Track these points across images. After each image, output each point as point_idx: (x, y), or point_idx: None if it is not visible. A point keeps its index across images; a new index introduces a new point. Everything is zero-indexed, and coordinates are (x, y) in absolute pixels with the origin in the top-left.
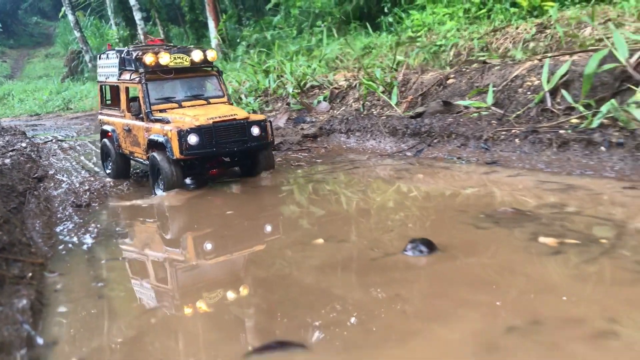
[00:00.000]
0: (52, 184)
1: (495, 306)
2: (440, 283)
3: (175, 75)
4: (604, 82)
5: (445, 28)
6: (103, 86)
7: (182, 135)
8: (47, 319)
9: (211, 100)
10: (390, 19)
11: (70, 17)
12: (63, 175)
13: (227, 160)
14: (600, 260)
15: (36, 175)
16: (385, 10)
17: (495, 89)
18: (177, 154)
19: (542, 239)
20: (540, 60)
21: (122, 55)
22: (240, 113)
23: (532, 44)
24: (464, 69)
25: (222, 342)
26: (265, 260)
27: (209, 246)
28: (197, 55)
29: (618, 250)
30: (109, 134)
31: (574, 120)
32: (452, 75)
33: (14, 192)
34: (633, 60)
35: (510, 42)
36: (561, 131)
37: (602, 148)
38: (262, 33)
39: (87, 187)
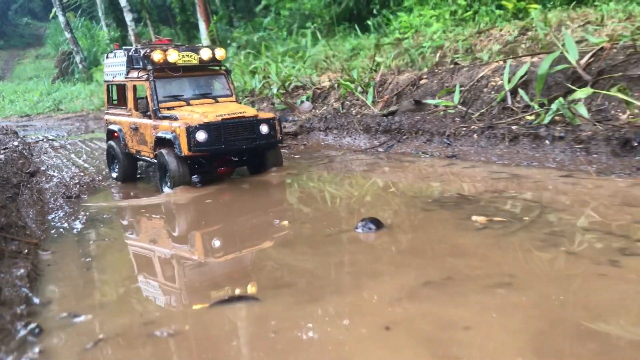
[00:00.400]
0: (44, 178)
1: (420, 267)
2: (381, 252)
3: (183, 74)
4: (557, 82)
5: (431, 30)
6: (110, 86)
7: (190, 131)
8: (42, 285)
9: (219, 99)
10: (379, 21)
11: (61, 18)
12: (54, 171)
13: (236, 159)
14: (518, 233)
15: (29, 170)
16: (375, 12)
17: (463, 88)
18: (185, 150)
19: (474, 217)
20: (504, 61)
21: (130, 54)
22: (249, 111)
23: (509, 46)
24: (436, 70)
25: (191, 297)
26: (235, 237)
27: (184, 226)
28: (205, 54)
29: (535, 226)
30: (115, 134)
31: (529, 117)
32: (425, 76)
33: (9, 184)
34: (583, 61)
35: (494, 43)
36: (513, 127)
37: (547, 142)
38: (252, 34)
39: (76, 181)
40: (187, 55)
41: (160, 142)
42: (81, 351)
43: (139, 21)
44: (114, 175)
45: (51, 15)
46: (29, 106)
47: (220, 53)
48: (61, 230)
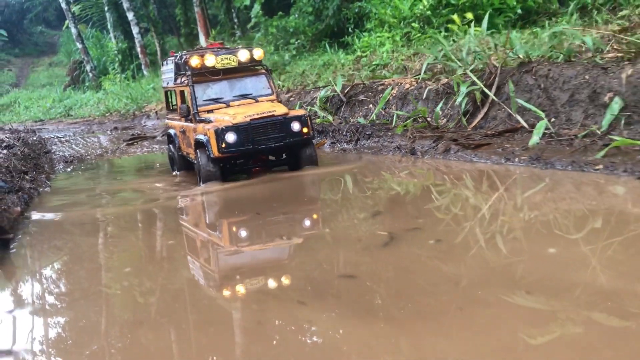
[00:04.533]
0: (53, 155)
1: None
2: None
3: (223, 76)
4: (335, 101)
5: (382, 50)
6: (167, 92)
7: (219, 133)
8: (51, 181)
9: (259, 99)
10: (351, 39)
11: (73, 30)
12: (59, 152)
13: (271, 158)
14: None
15: (45, 150)
16: (350, 30)
17: (305, 103)
18: (215, 152)
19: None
20: (323, 88)
21: (176, 61)
22: (279, 109)
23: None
24: (301, 92)
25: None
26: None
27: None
28: (243, 55)
29: None
30: (172, 138)
31: (318, 120)
32: (293, 96)
33: (36, 154)
34: (345, 91)
35: (418, 64)
36: None
37: None
38: None
39: (72, 156)
40: (226, 58)
41: (198, 145)
42: (69, 180)
43: (145, 33)
44: (175, 173)
45: (64, 27)
46: (42, 112)
47: (258, 53)
48: (60, 172)
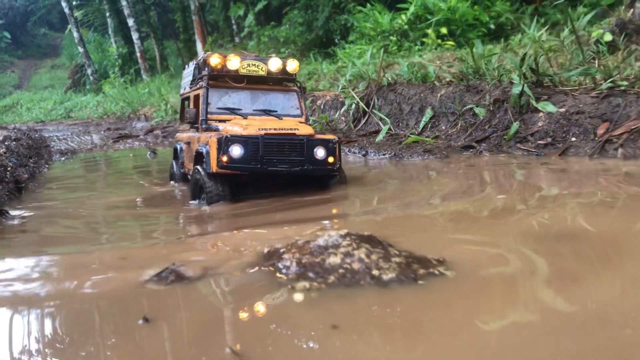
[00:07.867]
0: (52, 148)
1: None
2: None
3: (246, 85)
4: None
5: (360, 61)
6: (184, 100)
7: (222, 143)
8: (50, 165)
9: (285, 119)
10: (336, 49)
11: (75, 34)
12: (56, 147)
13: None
14: None
15: (45, 144)
16: (336, 41)
17: None
18: (213, 166)
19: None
20: None
21: (197, 61)
22: (302, 129)
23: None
24: None
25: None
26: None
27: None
28: (274, 65)
29: None
30: (178, 153)
31: None
32: None
33: (38, 147)
34: None
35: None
36: None
37: None
38: None
39: (67, 148)
40: (253, 65)
41: (197, 158)
42: (63, 164)
43: (146, 38)
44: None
45: (67, 30)
46: (44, 113)
47: (292, 66)
48: (56, 161)
